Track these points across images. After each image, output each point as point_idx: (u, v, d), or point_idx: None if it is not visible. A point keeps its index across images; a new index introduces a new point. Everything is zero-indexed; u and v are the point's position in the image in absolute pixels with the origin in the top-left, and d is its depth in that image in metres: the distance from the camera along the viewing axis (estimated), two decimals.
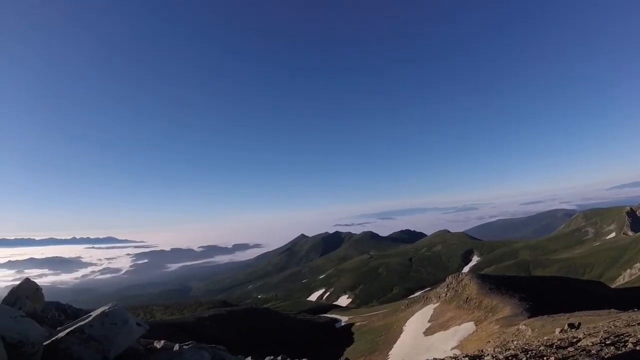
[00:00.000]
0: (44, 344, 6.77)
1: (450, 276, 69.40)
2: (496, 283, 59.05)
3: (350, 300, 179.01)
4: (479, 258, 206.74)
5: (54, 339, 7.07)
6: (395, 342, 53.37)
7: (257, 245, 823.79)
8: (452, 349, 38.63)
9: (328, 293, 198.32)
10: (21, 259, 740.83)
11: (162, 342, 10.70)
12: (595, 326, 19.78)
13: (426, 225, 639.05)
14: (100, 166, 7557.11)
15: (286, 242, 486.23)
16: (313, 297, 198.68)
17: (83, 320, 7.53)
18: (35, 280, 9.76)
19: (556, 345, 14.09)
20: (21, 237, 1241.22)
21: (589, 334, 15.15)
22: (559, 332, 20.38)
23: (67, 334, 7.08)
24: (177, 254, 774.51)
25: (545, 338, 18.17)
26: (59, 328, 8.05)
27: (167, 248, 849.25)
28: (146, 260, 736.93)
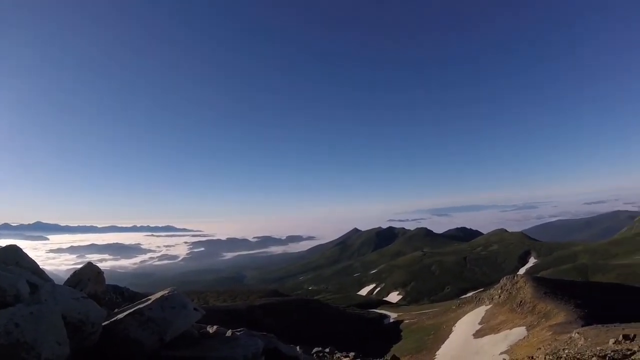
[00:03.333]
0: (103, 324, 7.29)
1: (505, 277, 67.26)
2: (552, 287, 56.69)
3: (400, 297, 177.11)
4: (536, 260, 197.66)
5: (113, 319, 7.51)
6: (443, 343, 52.31)
7: (310, 238, 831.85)
8: (501, 353, 37.65)
9: (379, 288, 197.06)
10: (83, 244, 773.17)
11: (215, 327, 11.25)
12: None
13: (483, 223, 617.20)
14: (162, 160, 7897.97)
15: (339, 236, 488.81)
16: (363, 291, 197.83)
17: (142, 303, 7.87)
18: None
19: (609, 357, 13.68)
20: (84, 225, 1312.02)
21: None
22: (613, 343, 19.48)
23: (127, 315, 7.46)
24: (233, 243, 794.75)
25: (597, 348, 17.50)
26: (116, 310, 8.67)
27: (223, 237, 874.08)
28: (202, 249, 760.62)
